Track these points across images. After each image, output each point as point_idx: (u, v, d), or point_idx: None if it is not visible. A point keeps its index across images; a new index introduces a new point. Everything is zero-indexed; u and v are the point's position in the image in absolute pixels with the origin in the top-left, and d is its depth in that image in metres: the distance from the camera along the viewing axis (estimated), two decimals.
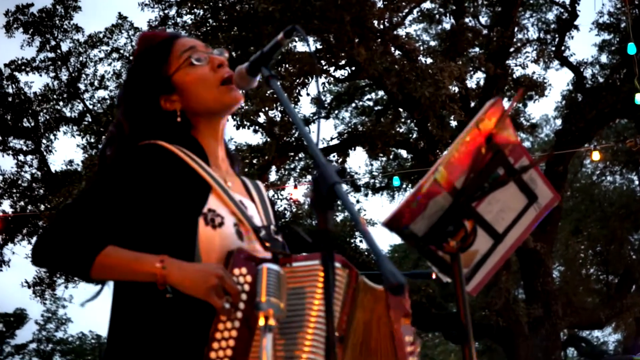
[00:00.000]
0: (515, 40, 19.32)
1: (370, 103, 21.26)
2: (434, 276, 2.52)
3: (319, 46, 16.07)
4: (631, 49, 15.05)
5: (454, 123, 17.00)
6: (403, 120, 19.61)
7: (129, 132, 2.56)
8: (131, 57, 20.29)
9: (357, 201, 26.96)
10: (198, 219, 2.36)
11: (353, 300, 2.29)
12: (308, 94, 16.15)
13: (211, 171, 2.50)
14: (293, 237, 2.73)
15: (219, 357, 2.17)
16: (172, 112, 2.58)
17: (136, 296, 2.34)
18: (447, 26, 19.68)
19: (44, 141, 21.22)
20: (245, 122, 15.64)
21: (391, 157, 21.71)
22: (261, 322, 2.11)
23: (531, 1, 21.42)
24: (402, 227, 2.21)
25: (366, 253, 19.42)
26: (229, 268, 2.26)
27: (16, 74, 20.81)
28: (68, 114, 21.26)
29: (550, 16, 21.30)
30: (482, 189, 2.33)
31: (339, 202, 1.88)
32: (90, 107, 21.11)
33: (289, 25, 2.35)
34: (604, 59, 22.11)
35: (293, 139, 16.87)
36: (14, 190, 20.80)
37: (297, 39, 15.86)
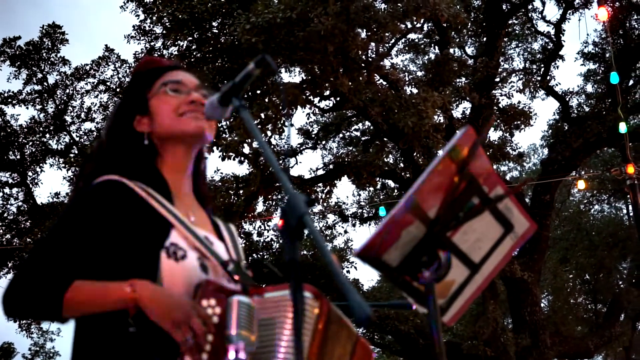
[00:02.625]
0: (500, 70, 19.44)
1: (358, 133, 21.33)
2: (414, 307, 2.48)
3: (303, 77, 16.13)
4: (614, 78, 15.15)
5: (440, 152, 17.01)
6: (389, 150, 19.65)
7: (98, 158, 2.60)
8: (118, 90, 20.40)
9: (345, 231, 27.03)
10: (160, 253, 2.34)
11: (325, 332, 2.25)
12: (292, 125, 16.16)
13: (172, 208, 2.48)
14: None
15: None
16: (141, 134, 2.60)
17: (98, 331, 2.31)
18: (433, 56, 19.77)
19: (30, 174, 21.24)
20: (229, 153, 15.62)
21: (378, 187, 21.74)
22: (231, 355, 2.09)
23: (516, 31, 21.57)
24: (374, 258, 2.18)
25: (353, 284, 19.36)
26: (197, 299, 2.23)
27: (2, 106, 20.85)
28: (54, 147, 21.28)
29: (536, 46, 21.49)
30: (457, 219, 2.31)
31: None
32: (77, 139, 21.14)
33: (272, 56, 2.34)
34: (589, 88, 22.29)
35: (270, 166, 16.81)
36: (0, 224, 20.72)
37: (282, 69, 16.02)
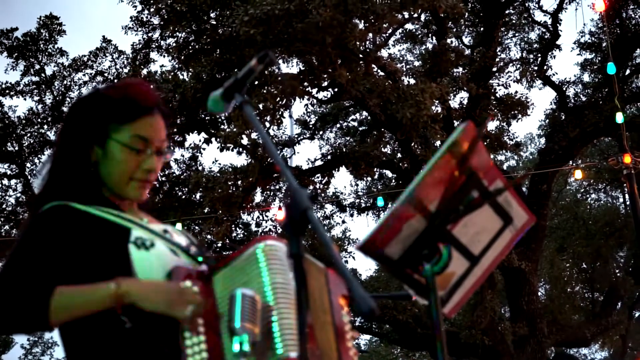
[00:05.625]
0: (497, 60, 19.42)
1: (355, 123, 21.34)
2: (414, 298, 2.52)
3: (301, 68, 16.12)
4: (610, 68, 15.11)
5: (437, 143, 17.06)
6: (387, 140, 19.66)
7: (51, 182, 2.59)
8: (115, 81, 20.32)
9: (343, 221, 27.05)
10: (128, 247, 2.39)
11: None
12: (291, 116, 16.17)
13: (125, 215, 2.53)
14: None
15: None
16: (90, 162, 2.59)
17: (93, 334, 2.34)
18: (430, 47, 19.77)
19: (28, 165, 21.19)
20: (228, 145, 15.64)
21: (376, 177, 21.74)
22: (235, 347, 2.13)
23: (513, 21, 21.54)
24: (376, 251, 2.22)
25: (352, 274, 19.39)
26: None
27: (0, 98, 20.80)
28: (52, 138, 21.22)
29: (533, 36, 21.47)
30: (457, 212, 2.34)
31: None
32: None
33: (271, 48, 2.37)
34: (586, 77, 22.26)
35: (274, 161, 16.77)
36: None
37: (280, 60, 16.00)
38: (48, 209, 2.45)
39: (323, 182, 19.44)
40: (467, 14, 19.14)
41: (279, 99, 15.16)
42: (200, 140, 17.78)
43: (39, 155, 21.16)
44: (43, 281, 2.29)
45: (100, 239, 2.40)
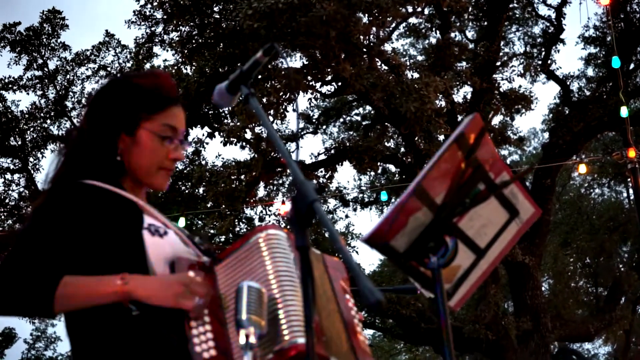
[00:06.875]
0: (501, 54, 19.36)
1: (358, 118, 21.31)
2: (419, 291, 2.51)
3: (305, 62, 16.10)
4: (615, 62, 15.10)
5: (441, 137, 17.03)
6: (390, 134, 19.63)
7: (73, 161, 2.60)
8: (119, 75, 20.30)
9: (346, 216, 27.00)
10: (142, 232, 2.40)
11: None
12: (294, 110, 16.18)
13: (138, 200, 2.54)
14: None
15: (204, 350, 2.23)
16: (116, 149, 2.60)
17: (101, 321, 2.34)
18: (434, 41, 19.75)
19: (31, 159, 21.18)
20: (232, 139, 15.64)
21: (379, 171, 21.71)
22: (242, 340, 2.12)
23: (517, 15, 21.50)
24: (382, 244, 2.21)
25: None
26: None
27: (3, 92, 20.81)
28: (55, 132, 21.24)
29: (537, 30, 21.44)
30: (463, 205, 2.33)
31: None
32: (78, 124, 21.02)
33: (274, 41, 2.36)
34: (590, 72, 22.23)
35: (280, 154, 16.80)
36: (1, 209, 20.74)
37: (284, 54, 15.97)
38: (75, 185, 2.46)
39: (326, 176, 19.43)
40: (470, 8, 19.11)
41: (282, 93, 15.15)
42: (203, 135, 17.81)
43: (42, 150, 21.16)
44: (51, 266, 2.30)
45: (116, 220, 2.41)
